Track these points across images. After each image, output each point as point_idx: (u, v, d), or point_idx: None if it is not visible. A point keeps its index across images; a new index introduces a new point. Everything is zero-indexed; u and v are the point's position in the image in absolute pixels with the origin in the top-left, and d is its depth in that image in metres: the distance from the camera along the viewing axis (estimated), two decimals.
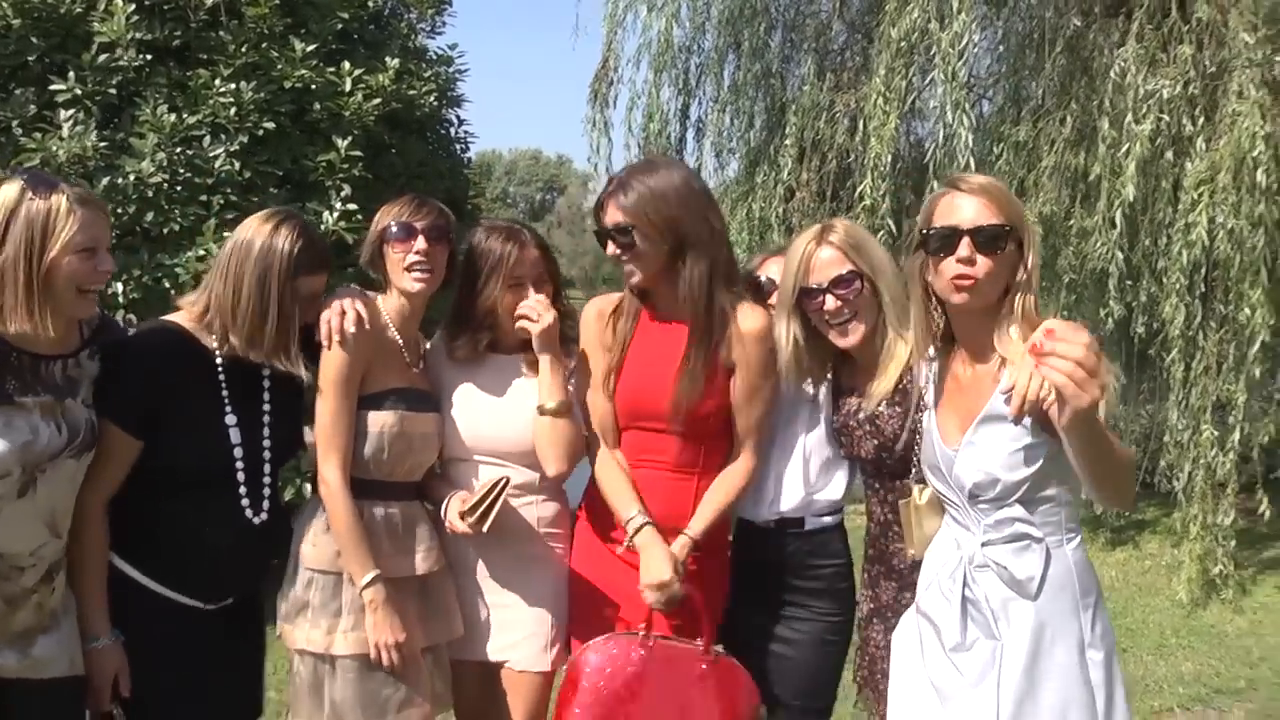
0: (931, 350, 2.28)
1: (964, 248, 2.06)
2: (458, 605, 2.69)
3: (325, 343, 2.52)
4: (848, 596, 2.75)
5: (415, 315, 2.71)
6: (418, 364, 2.73)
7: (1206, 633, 5.99)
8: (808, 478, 2.71)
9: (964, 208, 2.10)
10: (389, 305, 2.67)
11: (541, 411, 2.63)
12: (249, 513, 2.50)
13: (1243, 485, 6.51)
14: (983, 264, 2.06)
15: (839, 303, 2.50)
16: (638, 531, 2.57)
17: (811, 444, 2.71)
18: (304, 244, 2.46)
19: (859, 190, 7.29)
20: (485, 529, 2.53)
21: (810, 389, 2.70)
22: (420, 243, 2.58)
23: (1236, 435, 6.22)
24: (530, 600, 2.70)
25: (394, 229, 2.60)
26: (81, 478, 2.30)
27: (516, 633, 2.69)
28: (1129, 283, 6.69)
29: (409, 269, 2.60)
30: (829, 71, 8.93)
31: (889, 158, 7.23)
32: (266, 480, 2.55)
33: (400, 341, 2.67)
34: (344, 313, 2.52)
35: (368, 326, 2.55)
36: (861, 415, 2.55)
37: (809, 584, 2.71)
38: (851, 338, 2.53)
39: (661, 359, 2.63)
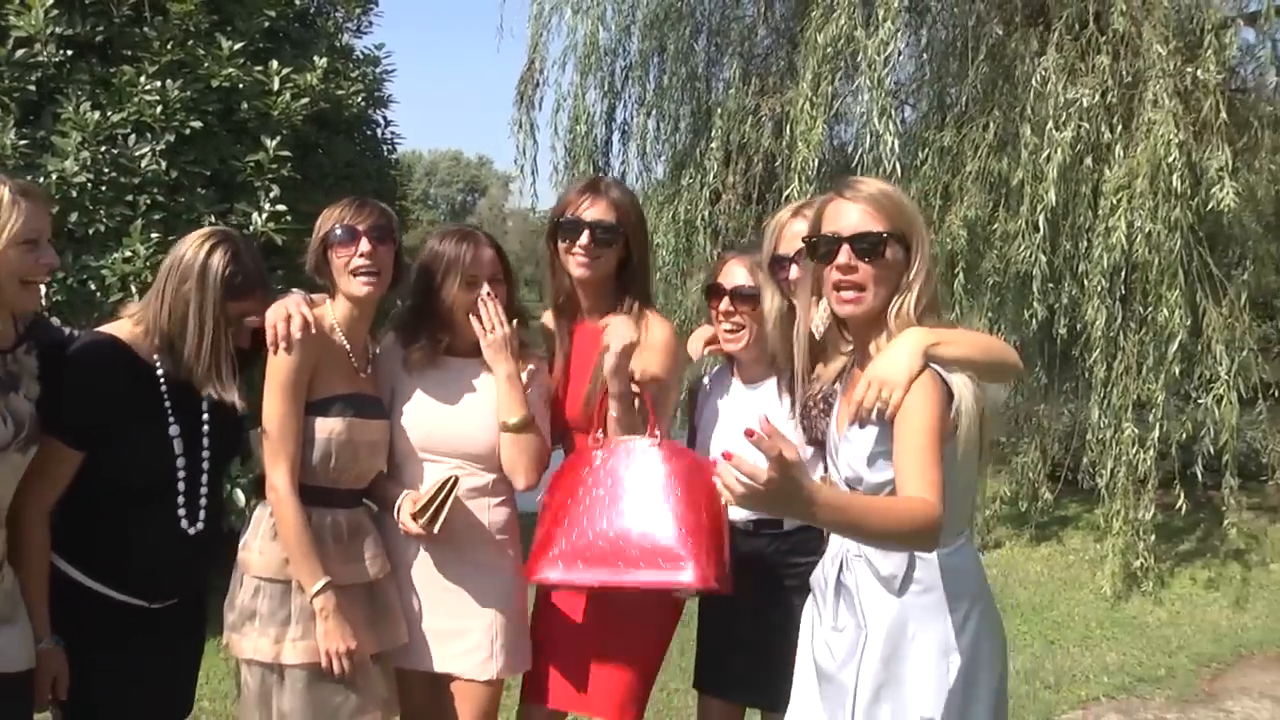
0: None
1: (843, 255, 2.09)
2: (402, 611, 2.66)
3: (271, 349, 2.48)
4: None
5: (363, 319, 2.68)
6: (366, 369, 2.69)
7: (1129, 624, 6.21)
8: None
9: (849, 214, 2.12)
10: (336, 310, 2.63)
11: (504, 428, 2.62)
12: (184, 523, 2.49)
13: (1161, 481, 6.76)
14: (864, 271, 2.09)
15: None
16: None
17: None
18: (235, 267, 2.43)
19: (785, 194, 7.39)
20: (436, 529, 2.52)
21: (787, 395, 2.70)
22: (364, 245, 2.54)
23: (1156, 433, 6.47)
24: (477, 608, 2.67)
25: (337, 232, 2.56)
26: (23, 471, 2.29)
27: (463, 642, 2.66)
28: (1051, 285, 6.90)
29: (354, 273, 2.56)
30: (754, 76, 9.03)
31: (815, 162, 7.33)
32: (204, 490, 2.53)
33: (348, 347, 2.64)
34: (289, 317, 2.49)
35: (313, 331, 2.51)
36: (818, 395, 2.57)
37: (789, 582, 2.71)
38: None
39: (586, 368, 2.74)
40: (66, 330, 2.54)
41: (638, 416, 2.62)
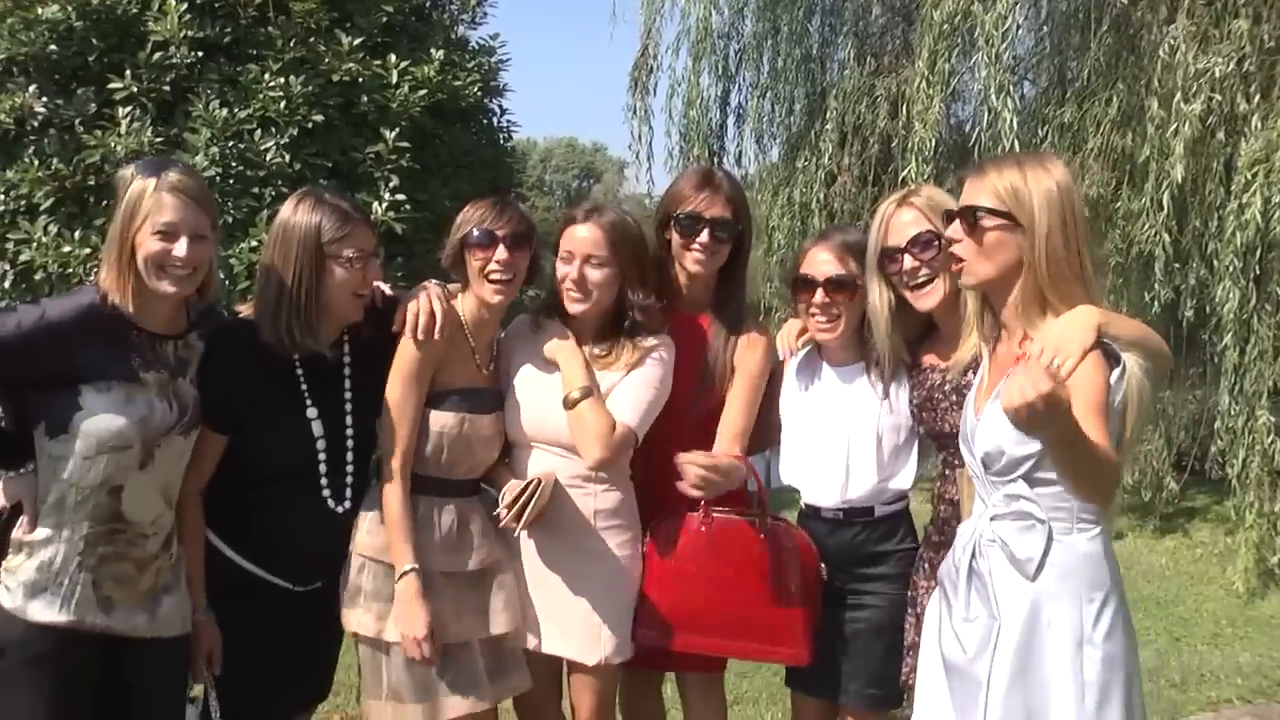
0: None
1: (954, 229, 2.19)
2: (518, 597, 2.71)
3: (408, 335, 2.54)
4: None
5: (494, 318, 2.72)
6: (489, 365, 2.73)
7: (1265, 623, 5.89)
8: (880, 464, 2.69)
9: (966, 190, 2.19)
10: (466, 306, 2.68)
11: (566, 404, 2.60)
12: (331, 503, 2.59)
13: None
14: (965, 245, 2.16)
15: (916, 263, 2.54)
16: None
17: (885, 429, 2.69)
18: (325, 214, 2.45)
19: (902, 175, 7.27)
20: (518, 529, 2.56)
21: (880, 380, 2.69)
22: (501, 252, 2.58)
23: None
24: (581, 595, 2.69)
25: (474, 234, 2.58)
26: (189, 454, 2.43)
27: (570, 627, 2.69)
28: (1177, 266, 6.61)
29: (488, 277, 2.59)
30: (869, 55, 8.91)
31: (932, 141, 7.21)
32: (350, 470, 2.61)
33: (474, 343, 2.68)
34: (430, 313, 2.54)
35: (440, 335, 2.56)
36: (948, 387, 2.53)
37: (878, 569, 2.71)
38: (930, 299, 2.55)
39: (688, 352, 2.77)
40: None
41: (736, 477, 2.66)
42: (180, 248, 2.27)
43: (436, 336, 2.54)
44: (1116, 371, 2.02)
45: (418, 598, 2.51)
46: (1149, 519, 7.65)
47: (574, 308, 2.67)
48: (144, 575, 2.37)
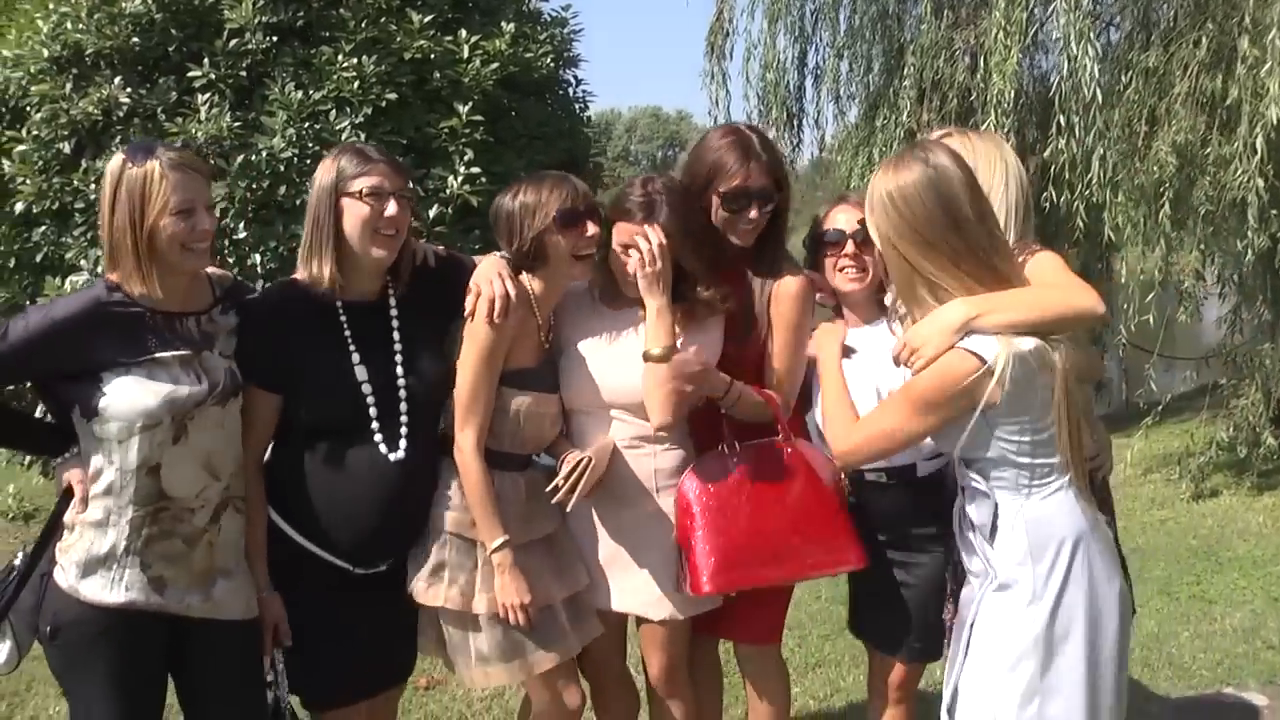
0: None
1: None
2: (579, 557, 2.78)
3: (469, 315, 2.57)
4: None
5: (559, 295, 2.76)
6: (549, 338, 2.77)
7: None
8: None
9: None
10: (536, 286, 2.69)
11: (645, 358, 2.60)
12: (383, 448, 2.59)
13: None
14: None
15: None
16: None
17: None
18: (346, 157, 2.51)
19: (983, 129, 7.08)
20: (570, 505, 2.59)
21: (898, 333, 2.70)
22: (591, 228, 2.62)
23: None
24: (645, 553, 2.74)
25: (562, 217, 2.59)
26: (231, 424, 2.47)
27: (635, 584, 2.74)
28: (1274, 212, 6.32)
29: (581, 255, 2.63)
30: (946, 8, 8.68)
31: (1012, 94, 7.07)
32: (404, 419, 2.61)
33: (540, 321, 2.72)
34: (504, 295, 2.55)
35: (512, 315, 2.58)
36: None
37: (928, 529, 2.71)
38: None
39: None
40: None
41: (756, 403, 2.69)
42: (203, 221, 2.34)
43: (500, 320, 2.55)
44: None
45: (515, 568, 2.57)
46: (1245, 476, 7.38)
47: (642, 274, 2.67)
48: (195, 551, 2.40)
